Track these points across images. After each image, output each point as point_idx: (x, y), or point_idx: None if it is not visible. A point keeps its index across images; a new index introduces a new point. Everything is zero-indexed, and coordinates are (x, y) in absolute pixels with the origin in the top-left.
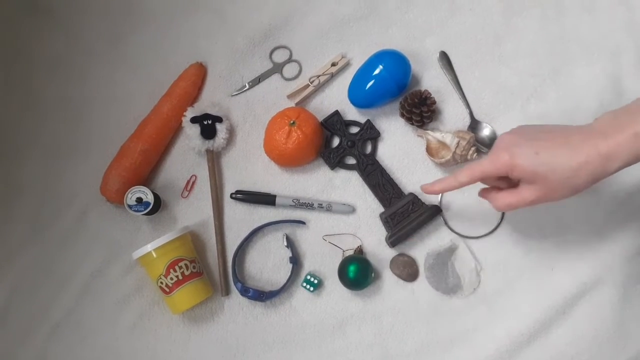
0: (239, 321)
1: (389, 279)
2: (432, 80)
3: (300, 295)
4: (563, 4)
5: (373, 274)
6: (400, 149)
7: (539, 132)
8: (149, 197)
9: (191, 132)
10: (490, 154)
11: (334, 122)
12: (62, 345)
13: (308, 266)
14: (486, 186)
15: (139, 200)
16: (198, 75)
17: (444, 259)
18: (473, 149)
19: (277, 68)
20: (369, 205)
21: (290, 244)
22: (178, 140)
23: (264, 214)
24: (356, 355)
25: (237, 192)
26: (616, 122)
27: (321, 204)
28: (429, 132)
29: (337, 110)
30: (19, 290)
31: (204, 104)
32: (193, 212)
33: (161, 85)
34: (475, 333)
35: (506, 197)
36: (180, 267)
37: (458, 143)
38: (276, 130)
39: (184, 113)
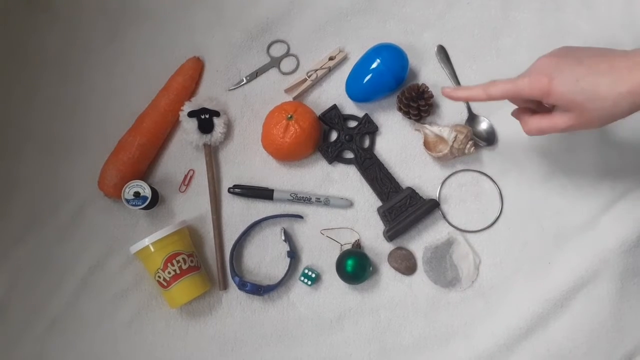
0: (236, 315)
1: (386, 273)
2: (430, 74)
3: (298, 289)
4: None
5: (371, 268)
6: (398, 143)
7: (583, 57)
8: (146, 192)
9: (189, 126)
10: (528, 74)
11: (332, 116)
12: (61, 339)
13: (306, 260)
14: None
15: (137, 194)
16: (195, 70)
17: (442, 252)
18: (470, 142)
19: (275, 62)
20: (367, 200)
21: (288, 238)
22: (175, 135)
23: (261, 208)
24: (354, 349)
25: (235, 186)
26: None
27: (319, 198)
28: (426, 126)
29: (335, 105)
30: (17, 285)
31: (202, 99)
32: (191, 206)
33: (159, 79)
34: (473, 326)
35: (538, 122)
36: (178, 261)
37: (455, 137)
38: (274, 125)
39: (182, 107)
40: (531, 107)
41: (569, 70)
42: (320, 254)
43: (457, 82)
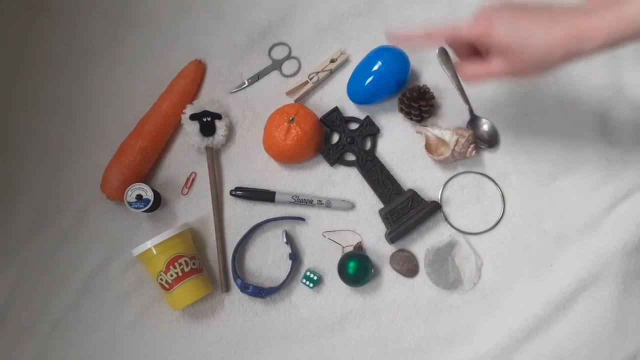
0: (238, 317)
1: (388, 275)
2: (432, 76)
3: (300, 291)
4: None
5: (373, 270)
6: (400, 145)
7: (525, 7)
8: (148, 194)
9: (190, 129)
10: (470, 19)
11: (334, 119)
12: (63, 341)
13: (308, 262)
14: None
15: (139, 197)
16: (197, 73)
17: (444, 255)
18: (472, 146)
19: (276, 65)
20: (369, 202)
21: (290, 240)
22: (177, 138)
23: (263, 211)
24: (355, 351)
25: (237, 189)
26: (605, 1)
27: (321, 201)
28: (428, 128)
29: (336, 107)
30: (20, 287)
31: (203, 101)
32: (193, 209)
33: (160, 82)
34: (475, 329)
35: (474, 67)
36: (180, 264)
37: (457, 140)
38: (275, 127)
39: (183, 110)
40: (468, 54)
41: (509, 17)
42: (322, 256)
43: (459, 84)
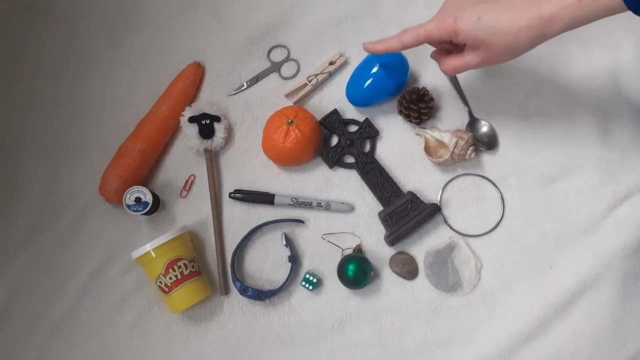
0: (238, 320)
1: (388, 278)
2: (431, 78)
3: (299, 294)
4: None
5: (372, 273)
6: (399, 147)
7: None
8: (147, 197)
9: (189, 131)
10: (436, 17)
11: (333, 121)
12: (62, 344)
13: (307, 265)
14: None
15: (138, 200)
16: (196, 75)
17: (443, 257)
18: (471, 148)
19: (275, 67)
20: (368, 204)
21: (289, 243)
22: (176, 140)
23: (262, 213)
24: (355, 354)
25: (236, 191)
26: None
27: (320, 203)
28: (427, 131)
29: (335, 109)
30: (18, 291)
31: (202, 104)
32: (192, 211)
33: (159, 85)
34: (475, 331)
35: (452, 61)
36: (179, 267)
37: (456, 143)
38: (274, 130)
39: (182, 113)
40: (447, 47)
41: (472, 9)
42: (322, 258)
43: (458, 86)
